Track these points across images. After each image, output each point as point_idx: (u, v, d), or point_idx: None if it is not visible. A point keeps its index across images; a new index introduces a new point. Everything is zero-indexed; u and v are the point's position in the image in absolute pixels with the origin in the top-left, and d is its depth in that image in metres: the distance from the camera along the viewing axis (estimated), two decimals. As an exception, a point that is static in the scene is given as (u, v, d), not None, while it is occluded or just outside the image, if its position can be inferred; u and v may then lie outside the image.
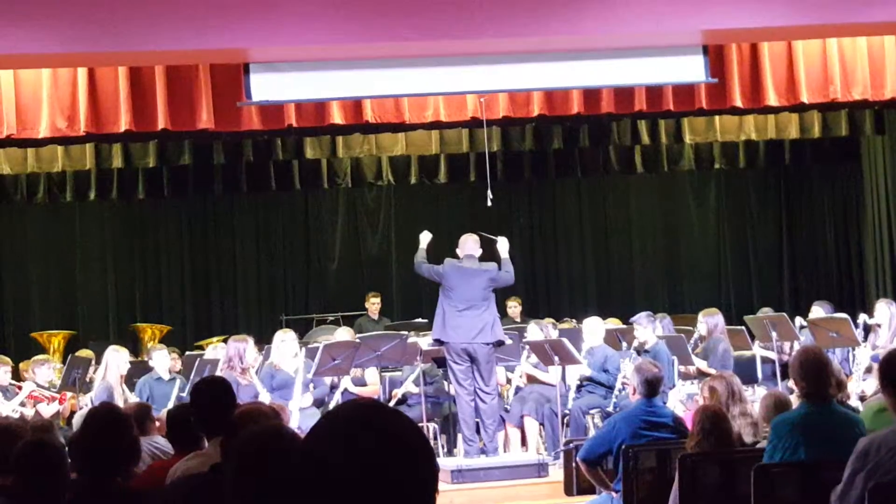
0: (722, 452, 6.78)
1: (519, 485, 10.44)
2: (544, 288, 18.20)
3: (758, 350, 12.39)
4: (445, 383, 11.93)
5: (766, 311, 13.07)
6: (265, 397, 10.64)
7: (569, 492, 8.52)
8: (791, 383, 7.44)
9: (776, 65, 12.25)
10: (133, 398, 11.24)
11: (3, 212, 16.76)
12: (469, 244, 11.18)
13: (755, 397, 9.98)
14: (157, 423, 8.47)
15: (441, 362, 11.58)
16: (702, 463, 6.71)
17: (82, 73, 11.41)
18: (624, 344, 11.99)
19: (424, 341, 11.73)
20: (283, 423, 4.46)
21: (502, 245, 11.36)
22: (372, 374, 11.87)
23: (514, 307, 15.81)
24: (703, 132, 15.54)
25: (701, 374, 11.35)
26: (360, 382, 11.80)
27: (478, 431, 11.05)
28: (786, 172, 18.05)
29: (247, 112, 11.81)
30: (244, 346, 11.18)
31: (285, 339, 11.41)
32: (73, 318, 16.97)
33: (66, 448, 5.15)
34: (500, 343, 11.05)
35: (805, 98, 12.27)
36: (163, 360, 11.74)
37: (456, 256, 11.26)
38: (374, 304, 16.20)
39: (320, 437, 1.98)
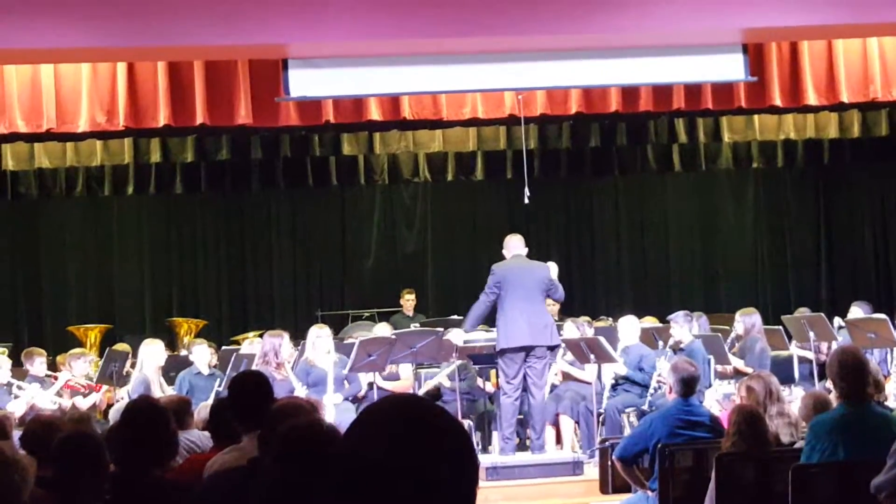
0: (759, 452, 6.74)
1: (554, 482, 10.42)
2: (580, 286, 18.13)
3: (795, 350, 12.33)
4: (480, 380, 11.92)
5: (803, 311, 12.99)
6: (301, 392, 10.68)
7: (604, 490, 8.50)
8: (828, 384, 7.39)
9: (816, 64, 12.19)
10: (170, 391, 11.29)
11: (42, 205, 16.86)
12: (514, 242, 11.07)
13: (792, 397, 9.93)
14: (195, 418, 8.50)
15: (477, 360, 11.57)
16: (739, 462, 6.67)
17: (122, 67, 11.47)
18: (660, 343, 11.96)
19: (460, 338, 11.70)
20: (321, 418, 4.47)
21: (553, 270, 11.23)
22: (405, 369, 11.88)
23: (551, 305, 15.76)
24: (742, 131, 15.49)
25: (738, 374, 11.29)
26: (393, 377, 11.81)
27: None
28: (824, 172, 17.91)
29: (285, 108, 11.85)
30: (280, 341, 11.20)
31: (321, 335, 11.42)
32: (110, 312, 17.04)
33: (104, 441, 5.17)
34: (556, 347, 11.03)
35: (845, 97, 12.20)
36: (203, 355, 11.77)
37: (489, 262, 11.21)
38: (408, 300, 16.20)
39: (361, 431, 1.97)
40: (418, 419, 1.95)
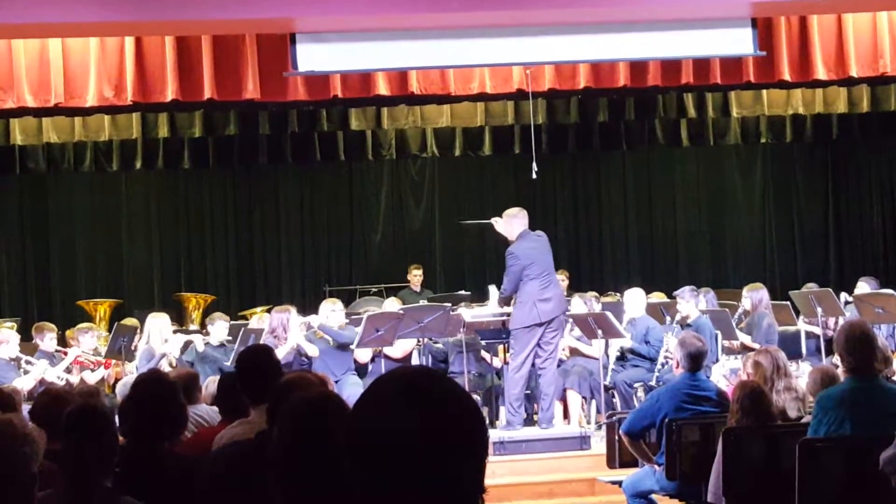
0: (766, 427, 6.76)
1: (561, 457, 10.45)
2: (588, 261, 18.16)
3: (802, 325, 12.34)
4: (487, 355, 11.93)
5: (811, 287, 13.00)
6: (313, 351, 10.95)
7: (611, 464, 8.52)
8: (836, 358, 7.40)
9: (825, 38, 12.15)
10: (175, 352, 11.39)
11: (50, 180, 16.88)
12: (521, 220, 11.02)
13: (799, 372, 9.94)
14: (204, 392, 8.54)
15: (484, 334, 11.57)
16: (745, 437, 6.69)
17: (129, 42, 11.46)
18: (668, 318, 11.96)
19: (468, 313, 11.71)
20: (330, 390, 4.49)
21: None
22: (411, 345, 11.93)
23: (561, 280, 15.75)
24: (751, 106, 15.45)
25: (745, 349, 11.31)
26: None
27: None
28: (833, 147, 17.90)
29: (292, 82, 11.83)
30: (287, 316, 11.25)
31: (335, 310, 11.48)
32: (119, 287, 17.09)
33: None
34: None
35: (854, 72, 12.16)
36: (220, 330, 11.82)
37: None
38: (416, 276, 16.21)
39: (372, 403, 1.98)
40: (429, 391, 1.96)
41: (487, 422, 11.45)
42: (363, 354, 11.53)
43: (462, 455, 1.94)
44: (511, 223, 10.97)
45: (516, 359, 10.76)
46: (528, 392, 11.15)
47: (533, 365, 10.76)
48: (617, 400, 11.31)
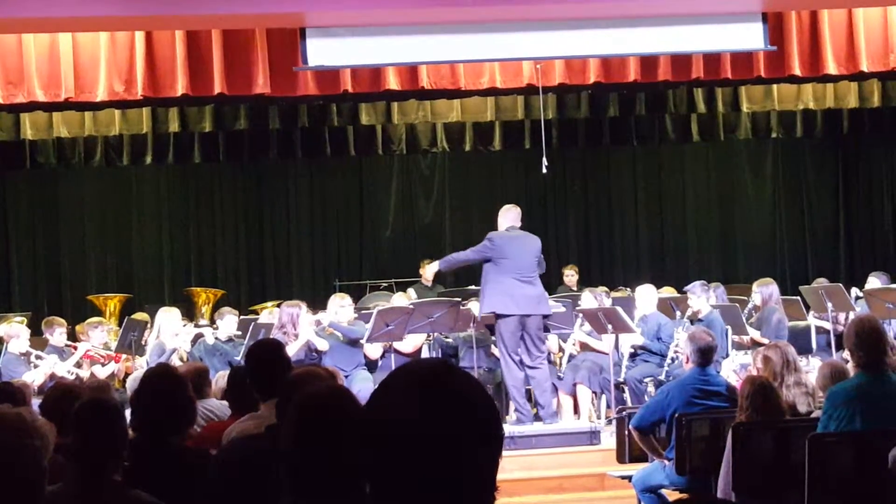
0: (775, 421, 6.74)
1: (571, 452, 10.45)
2: (598, 256, 18.15)
3: (812, 320, 12.31)
4: (497, 351, 11.92)
5: (821, 282, 12.97)
6: (323, 345, 10.97)
7: (621, 459, 8.52)
8: (846, 354, 7.39)
9: (836, 32, 12.12)
10: (186, 346, 11.39)
11: (60, 175, 16.90)
12: (513, 214, 11.03)
13: (809, 367, 9.92)
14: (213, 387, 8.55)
15: (494, 330, 11.57)
16: (755, 432, 6.67)
17: (140, 36, 11.47)
18: (678, 313, 11.95)
19: (478, 308, 11.70)
20: (339, 384, 4.49)
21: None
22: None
23: (570, 276, 15.78)
24: (761, 101, 15.41)
25: (755, 344, 11.29)
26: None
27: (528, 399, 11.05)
28: (844, 142, 17.86)
29: (303, 77, 11.84)
30: (297, 311, 11.26)
31: (344, 305, 11.49)
32: (129, 282, 17.12)
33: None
34: (547, 316, 11.06)
35: (865, 66, 12.14)
36: (229, 324, 11.83)
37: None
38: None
39: (388, 396, 1.97)
40: (444, 384, 1.95)
41: (497, 416, 11.48)
42: (373, 349, 11.53)
43: (477, 449, 1.93)
44: (503, 215, 11.03)
45: (503, 357, 10.73)
46: (528, 388, 11.12)
47: (524, 365, 10.75)
48: (627, 395, 11.30)
